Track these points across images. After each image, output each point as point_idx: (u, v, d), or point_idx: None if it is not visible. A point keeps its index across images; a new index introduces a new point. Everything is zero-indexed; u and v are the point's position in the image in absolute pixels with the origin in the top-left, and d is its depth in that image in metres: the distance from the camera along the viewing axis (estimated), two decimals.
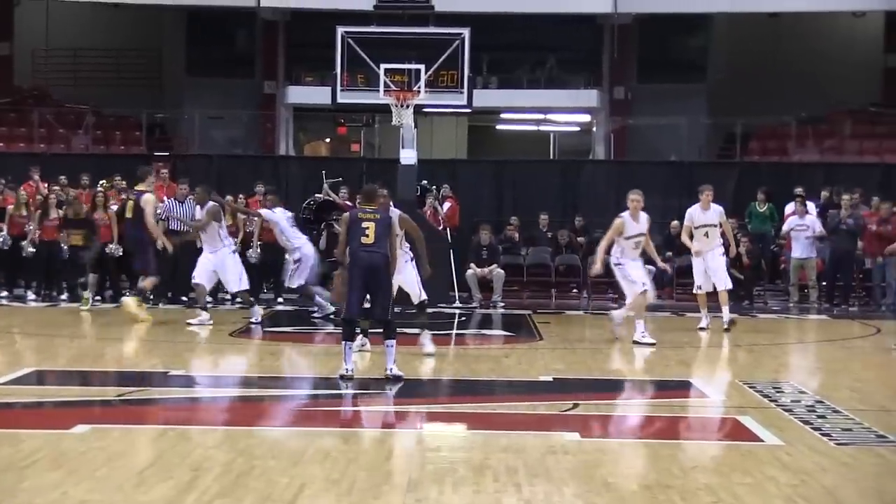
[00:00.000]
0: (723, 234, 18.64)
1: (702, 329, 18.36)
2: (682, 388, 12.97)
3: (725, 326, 18.17)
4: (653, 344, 16.15)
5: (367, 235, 12.63)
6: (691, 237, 18.57)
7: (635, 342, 16.28)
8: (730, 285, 18.55)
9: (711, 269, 18.34)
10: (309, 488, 8.01)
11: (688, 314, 21.23)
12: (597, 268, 16.95)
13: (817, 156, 30.08)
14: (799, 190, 24.22)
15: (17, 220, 22.03)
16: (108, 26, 35.03)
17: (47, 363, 14.42)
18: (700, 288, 18.58)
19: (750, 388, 12.46)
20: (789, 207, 24.20)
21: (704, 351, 16.94)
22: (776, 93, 31.57)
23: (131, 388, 12.33)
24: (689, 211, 18.70)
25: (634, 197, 17.03)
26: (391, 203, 14.34)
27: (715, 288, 18.37)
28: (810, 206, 24.03)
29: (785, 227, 23.93)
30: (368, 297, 12.92)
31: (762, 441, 9.80)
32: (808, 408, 11.27)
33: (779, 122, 31.54)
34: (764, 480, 8.40)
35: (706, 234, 18.42)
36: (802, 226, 23.57)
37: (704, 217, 18.46)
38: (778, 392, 12.23)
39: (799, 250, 23.58)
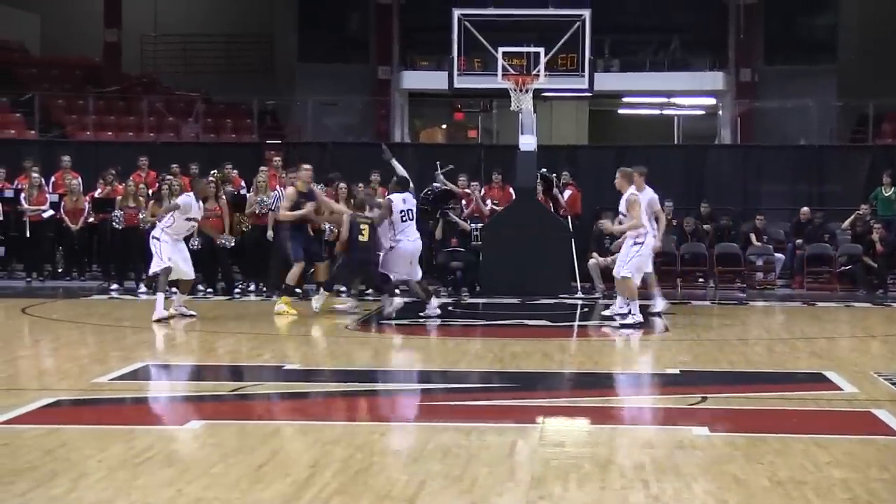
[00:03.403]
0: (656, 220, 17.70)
1: (654, 314, 17.83)
2: (814, 380, 12.47)
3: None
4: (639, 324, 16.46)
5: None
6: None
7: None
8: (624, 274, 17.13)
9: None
10: (429, 485, 7.73)
11: (819, 303, 20.61)
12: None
13: None
14: None
15: (128, 212, 21.91)
16: (217, 12, 35.20)
17: (159, 357, 14.26)
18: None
19: (886, 380, 12.02)
20: None
21: (837, 342, 16.39)
22: None
23: (246, 382, 12.14)
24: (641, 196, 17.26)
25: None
26: None
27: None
28: None
29: None
30: None
31: None
32: None
33: None
34: None
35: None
36: None
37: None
38: None
39: None
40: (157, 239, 17.13)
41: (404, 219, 17.81)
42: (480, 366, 13.23)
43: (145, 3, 34.12)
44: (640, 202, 17.05)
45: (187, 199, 17.46)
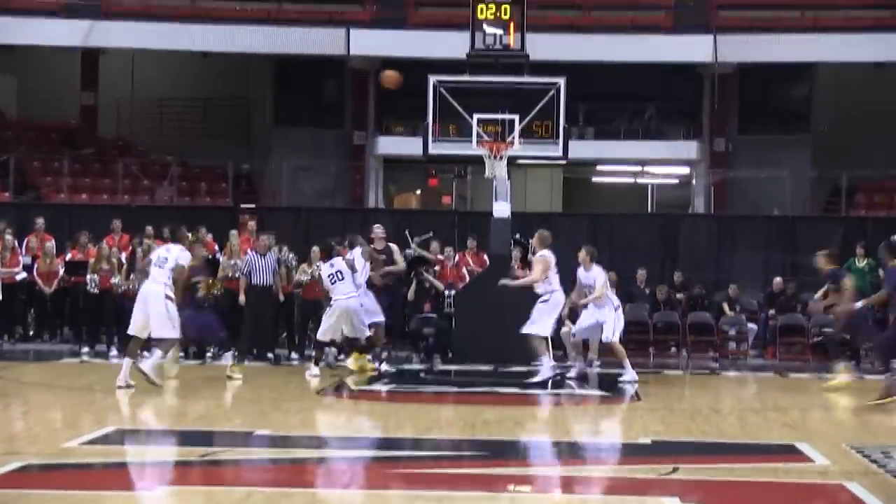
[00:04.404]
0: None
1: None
2: (786, 452, 12.42)
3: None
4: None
5: None
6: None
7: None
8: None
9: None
10: None
11: (791, 374, 20.64)
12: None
13: None
14: None
15: (102, 275, 21.78)
16: (193, 76, 35.22)
17: (130, 422, 14.16)
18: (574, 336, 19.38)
19: (858, 452, 11.96)
20: None
21: (809, 413, 16.34)
22: (883, 144, 30.92)
23: (216, 448, 12.04)
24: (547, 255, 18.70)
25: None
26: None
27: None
28: None
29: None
30: None
31: None
32: None
33: (886, 174, 30.79)
34: None
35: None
36: None
37: (586, 278, 18.91)
38: (887, 457, 11.68)
39: None
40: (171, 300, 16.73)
41: (333, 281, 18.60)
42: (451, 433, 13.16)
43: (122, 67, 34.12)
44: (543, 261, 18.49)
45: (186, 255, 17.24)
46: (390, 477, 10.89)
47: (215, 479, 10.45)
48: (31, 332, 23.68)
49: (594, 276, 18.79)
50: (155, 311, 16.51)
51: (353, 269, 18.50)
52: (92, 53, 33.56)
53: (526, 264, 22.60)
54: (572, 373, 18.89)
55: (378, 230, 20.82)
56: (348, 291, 18.49)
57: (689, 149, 33.50)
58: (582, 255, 19.04)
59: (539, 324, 18.35)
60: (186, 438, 13.00)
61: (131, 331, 16.73)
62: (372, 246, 19.88)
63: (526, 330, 18.28)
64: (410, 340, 21.87)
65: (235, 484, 10.35)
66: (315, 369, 18.63)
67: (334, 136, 34.43)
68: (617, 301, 19.00)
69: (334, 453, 12.02)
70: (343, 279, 18.54)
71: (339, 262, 18.72)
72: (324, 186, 33.49)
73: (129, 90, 34.47)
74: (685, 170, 35.27)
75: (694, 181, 34.36)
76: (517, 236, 22.72)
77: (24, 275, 22.76)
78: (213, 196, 31.62)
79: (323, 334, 18.82)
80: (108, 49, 32.95)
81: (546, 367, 18.19)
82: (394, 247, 20.74)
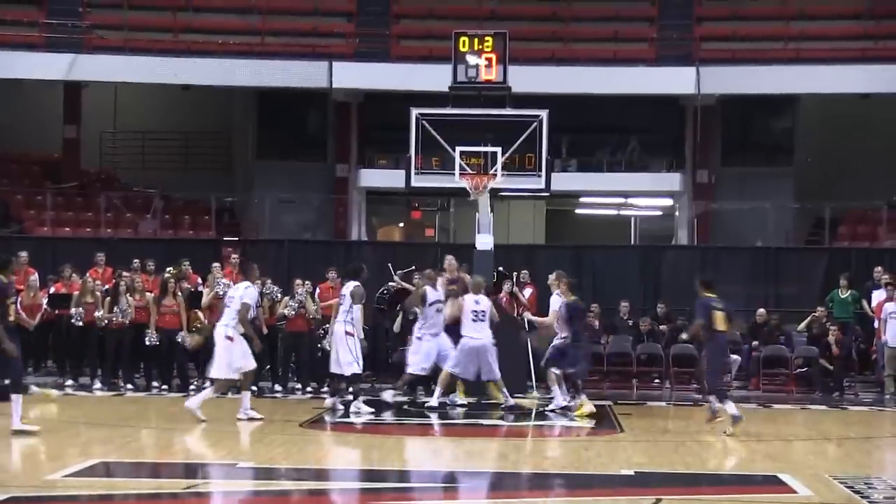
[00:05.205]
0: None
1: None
2: (769, 483, 12.42)
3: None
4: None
5: None
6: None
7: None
8: None
9: None
10: None
11: (775, 405, 20.62)
12: None
13: None
14: (883, 275, 23.66)
15: (87, 308, 21.71)
16: (176, 109, 35.18)
17: (114, 454, 13.96)
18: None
19: (841, 483, 11.97)
20: (878, 294, 23.53)
21: (792, 444, 16.35)
22: (866, 176, 30.99)
23: (200, 479, 12.06)
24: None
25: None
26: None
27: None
28: None
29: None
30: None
31: None
32: None
33: (869, 206, 30.84)
34: None
35: None
36: None
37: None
38: (870, 488, 11.72)
39: (894, 338, 22.74)
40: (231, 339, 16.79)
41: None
42: (436, 465, 13.09)
43: (105, 99, 34.10)
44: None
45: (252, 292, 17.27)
46: None
47: None
48: None
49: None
50: (216, 351, 16.78)
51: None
52: (74, 86, 33.51)
53: (513, 296, 22.67)
54: (553, 405, 18.82)
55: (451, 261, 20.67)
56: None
57: (672, 181, 33.51)
58: (552, 278, 19.16)
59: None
60: (171, 471, 12.98)
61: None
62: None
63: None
64: (393, 372, 21.78)
65: None
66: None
67: (317, 168, 34.39)
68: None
69: (316, 485, 11.93)
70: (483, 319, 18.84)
71: (484, 301, 19.04)
72: (307, 219, 33.48)
73: (112, 123, 34.44)
74: (668, 202, 35.28)
75: (677, 213, 34.38)
76: (500, 268, 22.77)
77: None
78: (197, 229, 31.56)
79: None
80: (91, 82, 32.92)
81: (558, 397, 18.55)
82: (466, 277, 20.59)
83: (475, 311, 18.68)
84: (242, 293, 16.89)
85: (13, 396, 14.56)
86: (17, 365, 14.86)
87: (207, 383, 17.71)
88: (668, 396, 22.83)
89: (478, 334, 18.55)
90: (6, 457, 13.57)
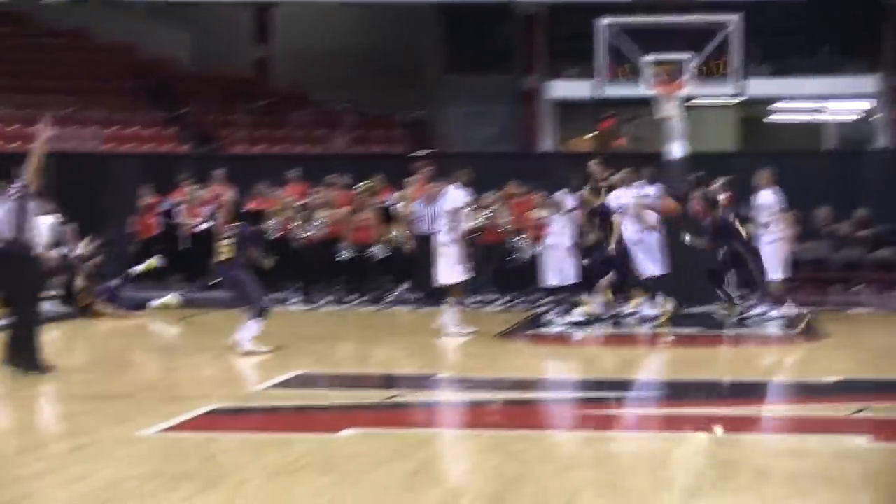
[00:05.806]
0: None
1: None
2: None
3: None
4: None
5: None
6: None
7: None
8: None
9: None
10: (583, 494, 7.61)
11: None
12: None
13: None
14: None
15: (283, 223, 22.03)
16: (364, 26, 35.35)
17: (314, 366, 14.18)
18: None
19: None
20: None
21: None
22: None
23: (400, 390, 12.14)
24: None
25: None
26: None
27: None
28: None
29: None
30: None
31: None
32: None
33: None
34: None
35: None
36: None
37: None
38: None
39: None
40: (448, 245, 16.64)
41: None
42: (634, 375, 13.07)
43: (295, 19, 34.46)
44: None
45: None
46: (572, 418, 10.90)
47: (400, 422, 10.55)
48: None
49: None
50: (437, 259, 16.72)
51: None
52: (265, 6, 33.96)
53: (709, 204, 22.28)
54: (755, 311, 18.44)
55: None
56: None
57: (869, 83, 32.57)
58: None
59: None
60: (370, 382, 13.17)
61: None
62: None
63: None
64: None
65: (420, 426, 10.48)
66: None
67: (505, 81, 34.32)
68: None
69: (516, 395, 11.94)
70: None
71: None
72: (495, 132, 33.48)
73: (303, 42, 34.80)
74: (866, 105, 34.32)
75: (876, 116, 33.43)
76: (698, 174, 22.35)
77: (206, 225, 23.08)
78: (387, 144, 31.79)
79: None
80: (281, 2, 33.30)
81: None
82: None
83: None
84: (450, 197, 16.81)
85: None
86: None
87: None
88: (870, 303, 22.33)
89: None
90: (210, 370, 13.91)
